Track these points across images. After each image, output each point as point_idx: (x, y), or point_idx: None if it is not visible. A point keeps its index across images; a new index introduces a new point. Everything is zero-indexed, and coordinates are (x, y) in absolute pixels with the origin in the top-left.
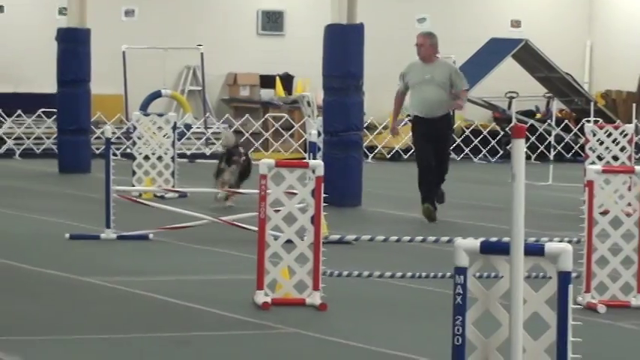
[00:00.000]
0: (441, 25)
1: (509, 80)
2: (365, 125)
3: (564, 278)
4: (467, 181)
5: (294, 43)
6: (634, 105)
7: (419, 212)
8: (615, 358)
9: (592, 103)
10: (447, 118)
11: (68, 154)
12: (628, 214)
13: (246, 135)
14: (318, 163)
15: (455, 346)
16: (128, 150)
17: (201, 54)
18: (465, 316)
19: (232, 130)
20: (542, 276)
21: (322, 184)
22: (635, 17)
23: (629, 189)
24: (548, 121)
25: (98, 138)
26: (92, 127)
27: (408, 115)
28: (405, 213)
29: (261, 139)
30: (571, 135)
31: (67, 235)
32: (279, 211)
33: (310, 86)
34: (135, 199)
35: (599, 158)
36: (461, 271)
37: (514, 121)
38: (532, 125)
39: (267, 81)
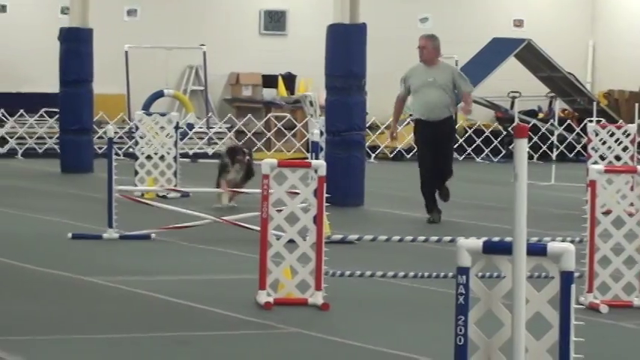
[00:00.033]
0: (444, 25)
1: (511, 80)
2: (367, 125)
3: (567, 278)
4: (469, 181)
5: (297, 43)
6: (636, 105)
7: (421, 212)
8: (618, 358)
9: (594, 103)
10: (449, 122)
11: (70, 154)
12: (630, 214)
13: (249, 135)
14: (320, 163)
15: (457, 345)
16: (130, 150)
17: (204, 53)
18: (468, 316)
19: (235, 129)
20: (545, 276)
21: (324, 184)
22: (638, 17)
23: (632, 189)
24: (551, 120)
25: (100, 138)
26: (94, 126)
27: (411, 115)
28: (408, 213)
29: (264, 139)
30: (573, 135)
31: (70, 235)
32: (281, 210)
33: (313, 86)
34: (137, 198)
35: (602, 158)
36: (463, 270)
37: (516, 120)
38: (534, 125)
39: (269, 81)
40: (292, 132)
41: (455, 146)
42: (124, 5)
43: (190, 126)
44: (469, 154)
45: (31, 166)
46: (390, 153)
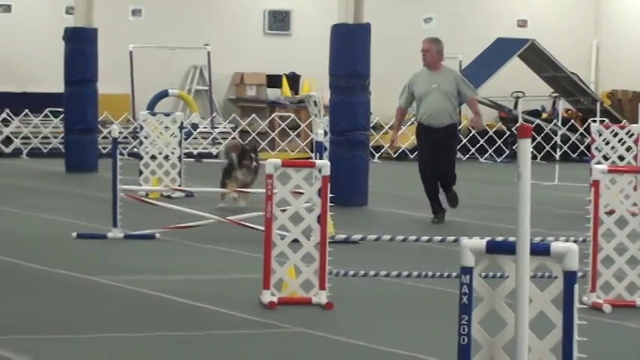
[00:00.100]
0: (448, 25)
1: (515, 80)
2: (371, 125)
3: (570, 278)
4: (473, 181)
5: (301, 43)
6: (639, 105)
7: (425, 212)
8: (621, 358)
9: (598, 103)
10: (452, 128)
11: (75, 154)
12: (634, 214)
13: (253, 134)
14: (324, 163)
15: (461, 345)
16: (135, 149)
17: (208, 53)
18: (471, 316)
19: (239, 129)
20: (548, 275)
21: (328, 184)
22: None
23: (635, 189)
24: (555, 120)
25: (105, 137)
26: (99, 126)
27: (414, 116)
28: (411, 213)
29: (268, 139)
30: (577, 135)
31: (74, 235)
32: (285, 210)
33: (317, 86)
34: (142, 198)
35: (605, 158)
36: (467, 270)
37: (520, 120)
38: (538, 125)
39: (273, 80)
40: (296, 132)
41: (459, 146)
42: (129, 5)
43: (195, 126)
44: (473, 154)
45: (36, 165)
46: (394, 153)
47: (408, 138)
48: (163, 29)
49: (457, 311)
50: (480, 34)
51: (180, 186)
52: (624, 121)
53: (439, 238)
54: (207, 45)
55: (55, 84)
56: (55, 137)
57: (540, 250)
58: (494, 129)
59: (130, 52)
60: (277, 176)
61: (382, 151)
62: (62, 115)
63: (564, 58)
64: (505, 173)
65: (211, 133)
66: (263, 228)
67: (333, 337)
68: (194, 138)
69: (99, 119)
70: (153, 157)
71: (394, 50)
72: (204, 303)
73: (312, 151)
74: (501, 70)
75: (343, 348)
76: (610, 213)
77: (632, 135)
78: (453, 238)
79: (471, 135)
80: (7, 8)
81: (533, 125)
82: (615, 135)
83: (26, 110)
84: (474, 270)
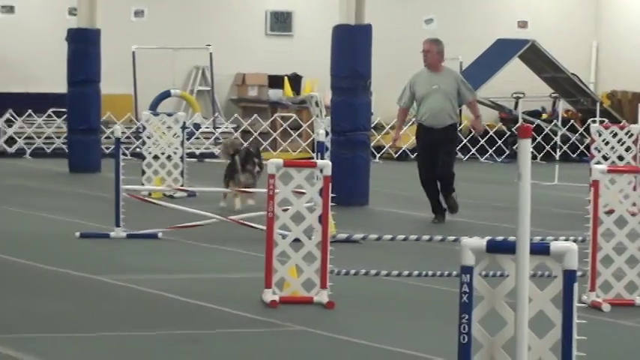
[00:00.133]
0: (448, 26)
1: (515, 81)
2: (372, 125)
3: (569, 277)
4: (473, 181)
5: (303, 44)
6: (639, 105)
7: (425, 212)
8: (619, 356)
9: (598, 104)
10: (452, 128)
11: (78, 154)
12: (633, 214)
13: (255, 135)
14: (325, 163)
15: (461, 343)
16: (138, 149)
17: (210, 54)
18: (471, 315)
19: (241, 129)
20: (548, 275)
21: (330, 184)
22: None
23: (634, 189)
24: (555, 121)
25: (108, 137)
26: (102, 126)
27: (415, 115)
28: (412, 212)
29: (270, 139)
30: (577, 135)
31: (78, 234)
32: (287, 210)
33: (318, 86)
34: (144, 198)
35: (605, 158)
36: (467, 269)
37: (520, 121)
38: (538, 125)
39: (275, 81)
40: (298, 132)
41: (459, 147)
42: (131, 6)
43: (197, 126)
44: (473, 154)
45: (40, 165)
46: (395, 153)
47: (408, 138)
48: (166, 30)
49: (457, 310)
50: (480, 34)
51: (182, 186)
52: (624, 121)
53: (440, 237)
54: (209, 46)
55: (58, 84)
56: (59, 137)
57: (540, 249)
58: (494, 129)
59: (133, 52)
60: (279, 176)
61: (383, 151)
62: (65, 116)
63: (564, 58)
64: (505, 173)
65: (213, 133)
66: (265, 227)
67: (334, 335)
68: (196, 138)
69: (102, 119)
70: (155, 157)
71: (395, 51)
72: (206, 302)
73: (313, 151)
74: (502, 71)
75: (344, 346)
76: (609, 213)
77: (632, 135)
78: (454, 237)
79: (471, 135)
80: (10, 9)
81: (534, 126)
82: (615, 135)
83: (29, 110)
84: (474, 269)
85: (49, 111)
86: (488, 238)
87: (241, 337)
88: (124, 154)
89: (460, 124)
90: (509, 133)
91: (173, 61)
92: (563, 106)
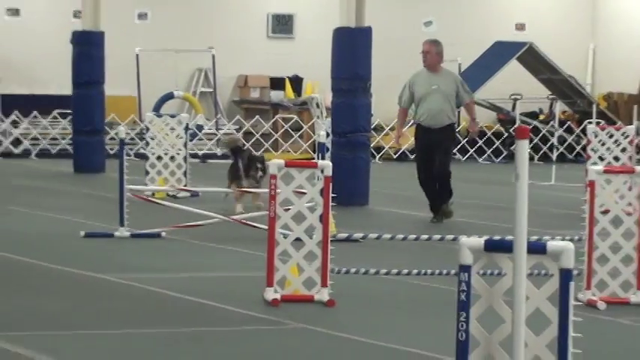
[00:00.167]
0: (447, 29)
1: (513, 82)
2: (372, 126)
3: (566, 275)
4: (471, 181)
5: (304, 46)
6: (635, 107)
7: (424, 212)
8: (615, 354)
9: (594, 105)
10: (450, 128)
11: (83, 155)
12: (628, 214)
13: (257, 136)
14: (326, 164)
15: (459, 341)
16: (141, 150)
17: (213, 56)
18: (469, 313)
19: (243, 130)
20: (545, 273)
21: (330, 184)
22: (637, 22)
23: (630, 189)
24: (551, 122)
25: (112, 138)
26: (106, 127)
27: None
28: (411, 212)
29: (271, 140)
30: (573, 136)
31: (82, 233)
32: (288, 210)
33: (319, 88)
34: (148, 198)
35: (601, 159)
36: (465, 268)
37: (518, 122)
38: (535, 126)
39: (277, 83)
40: (299, 133)
41: (457, 148)
42: (135, 9)
43: (200, 127)
44: (471, 154)
45: (45, 166)
46: (395, 154)
47: (408, 139)
48: (169, 33)
49: (456, 308)
50: (478, 37)
51: (185, 186)
52: (620, 122)
53: (438, 236)
54: (211, 48)
55: (63, 86)
56: (64, 138)
57: (537, 248)
58: (492, 130)
59: (137, 55)
60: (280, 176)
61: (383, 152)
62: (70, 117)
63: (561, 60)
64: (503, 174)
65: (216, 134)
66: (266, 227)
67: (334, 333)
68: (199, 139)
69: (106, 121)
70: (159, 158)
71: (395, 53)
72: (209, 300)
73: (314, 152)
74: (500, 73)
75: (344, 344)
76: (605, 212)
77: (627, 136)
78: (452, 236)
79: (469, 136)
80: (16, 12)
81: (531, 127)
82: (611, 136)
83: (35, 112)
84: (472, 268)
85: (54, 112)
86: (486, 237)
87: (243, 334)
88: (128, 154)
89: (458, 125)
90: (506, 134)
91: (176, 63)
92: (560, 107)
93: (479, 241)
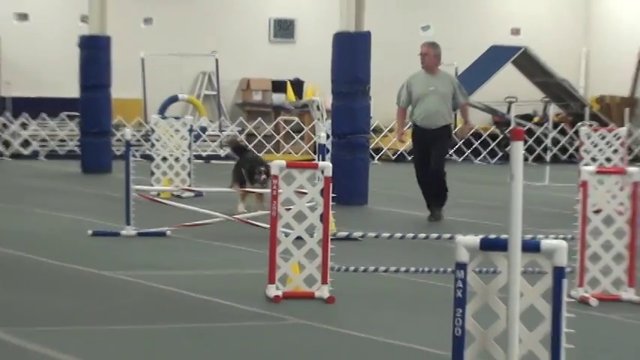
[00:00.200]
0: (444, 33)
1: (508, 85)
2: (371, 128)
3: (559, 273)
4: (468, 182)
5: (305, 50)
6: (626, 109)
7: (422, 211)
8: (606, 349)
9: (587, 108)
10: (446, 128)
11: (90, 156)
12: (620, 213)
13: (259, 137)
14: (326, 164)
15: (455, 336)
16: (147, 151)
17: (216, 60)
18: (465, 309)
19: (245, 132)
20: (538, 271)
21: (331, 184)
22: (629, 27)
23: (621, 189)
24: (545, 124)
25: (119, 140)
26: (113, 129)
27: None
28: (409, 211)
29: (273, 142)
30: (567, 138)
31: (90, 232)
32: (290, 209)
33: (319, 91)
34: (153, 198)
35: (593, 160)
36: (461, 266)
37: (513, 124)
38: (530, 128)
39: (278, 86)
40: (300, 135)
41: (455, 149)
42: (141, 14)
43: (203, 129)
44: (467, 156)
45: (53, 166)
46: (393, 155)
47: (408, 137)
48: (173, 37)
49: (452, 305)
50: (475, 41)
51: (189, 186)
52: (612, 124)
53: (435, 235)
54: (215, 52)
55: (71, 89)
56: (71, 140)
57: (531, 246)
58: (488, 132)
59: (142, 58)
60: (282, 177)
61: (382, 153)
62: (78, 119)
63: (555, 64)
64: (498, 174)
65: (219, 135)
66: (268, 226)
67: (334, 329)
68: (203, 140)
69: (112, 123)
70: (164, 159)
71: (393, 57)
72: (212, 297)
73: (315, 153)
74: (495, 76)
75: (344, 339)
76: (597, 212)
77: (619, 138)
78: (449, 235)
79: (457, 136)
80: (25, 17)
81: (525, 128)
82: (603, 138)
83: (43, 114)
84: (468, 266)
85: (62, 114)
86: (481, 236)
87: (246, 330)
88: (134, 155)
89: (455, 127)
90: (502, 135)
91: (180, 67)
92: (553, 109)
93: (475, 239)
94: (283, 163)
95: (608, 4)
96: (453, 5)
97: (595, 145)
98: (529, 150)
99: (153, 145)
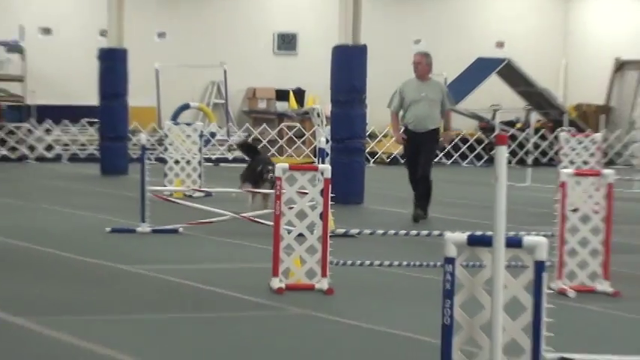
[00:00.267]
0: (434, 46)
1: (493, 94)
2: (367, 134)
3: (539, 267)
4: (455, 183)
5: (306, 62)
6: (602, 116)
7: (412, 210)
8: (583, 336)
9: (565, 115)
10: (435, 132)
11: (109, 159)
12: (595, 212)
13: (264, 142)
14: (326, 167)
15: (444, 325)
16: (161, 155)
17: (225, 71)
18: (453, 300)
19: (251, 137)
20: (521, 265)
21: (330, 185)
22: (604, 41)
23: (597, 189)
24: (527, 130)
25: (135, 144)
26: (129, 134)
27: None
28: (402, 210)
29: (277, 146)
30: (547, 142)
31: (108, 229)
32: (292, 208)
33: (320, 99)
34: (166, 197)
35: (572, 163)
36: (450, 260)
37: (497, 130)
38: (513, 134)
39: (282, 95)
40: (302, 140)
41: (444, 152)
42: (155, 28)
43: (213, 134)
44: (455, 159)
45: (75, 169)
46: (387, 158)
47: (398, 146)
48: (185, 50)
49: (441, 296)
50: (462, 53)
51: (200, 187)
52: (588, 130)
53: (426, 232)
54: (223, 63)
55: (91, 98)
56: (91, 144)
57: (514, 242)
58: (474, 137)
59: (156, 69)
60: (285, 178)
61: (377, 156)
62: (97, 125)
63: (537, 75)
64: (484, 176)
65: (227, 140)
66: (272, 223)
67: (333, 318)
68: (212, 145)
69: (129, 128)
70: (176, 162)
71: (388, 68)
72: (221, 288)
73: (315, 157)
74: (481, 86)
75: (342, 328)
76: (575, 211)
77: (595, 143)
78: (438, 232)
79: (453, 143)
80: (48, 31)
81: (509, 134)
82: (580, 143)
83: (66, 121)
84: (456, 260)
85: (83, 121)
86: (468, 232)
87: (251, 319)
88: (149, 159)
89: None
90: (487, 140)
91: (192, 77)
92: (535, 116)
93: (462, 236)
94: (286, 165)
95: (585, 20)
96: (443, 20)
97: (573, 150)
98: (512, 154)
99: (166, 149)
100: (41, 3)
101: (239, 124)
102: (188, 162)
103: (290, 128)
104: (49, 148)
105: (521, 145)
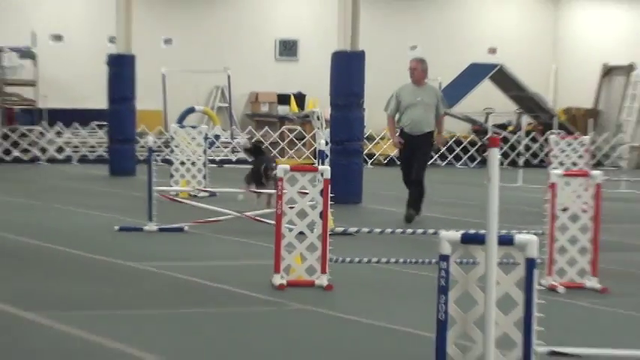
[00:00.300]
0: (430, 52)
1: (486, 98)
2: (365, 136)
3: (530, 264)
4: (450, 183)
5: (306, 67)
6: (590, 120)
7: (405, 211)
8: (572, 331)
9: (555, 118)
10: (430, 135)
11: (117, 160)
12: (584, 211)
13: (266, 144)
14: (325, 168)
15: (439, 320)
16: (167, 156)
17: (228, 76)
18: (448, 296)
19: (254, 140)
20: (512, 262)
21: (329, 185)
22: (592, 47)
23: (586, 190)
24: (519, 132)
25: (142, 146)
26: (137, 137)
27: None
28: (398, 209)
29: (278, 148)
30: (537, 145)
31: (116, 227)
32: (293, 207)
33: (319, 103)
34: (173, 197)
35: (561, 164)
36: (444, 258)
37: (490, 132)
38: (505, 136)
39: (283, 99)
40: (302, 142)
41: (439, 154)
42: (162, 35)
43: (217, 137)
44: (450, 160)
45: (84, 170)
46: (384, 160)
47: (394, 148)
48: (191, 55)
49: (436, 292)
50: (456, 59)
51: (205, 187)
52: (577, 133)
53: (421, 230)
54: (227, 69)
55: (100, 101)
56: (100, 146)
57: (506, 240)
58: (468, 140)
59: (163, 74)
60: (286, 179)
61: (374, 158)
62: (106, 128)
63: (528, 80)
64: (477, 176)
65: (231, 142)
66: (274, 222)
67: (332, 313)
68: (217, 147)
69: (137, 131)
70: (182, 163)
71: (385, 73)
72: (224, 285)
73: (315, 158)
74: (475, 90)
75: (341, 322)
76: (564, 210)
77: (584, 145)
78: (433, 230)
79: (448, 145)
80: (59, 38)
81: (501, 136)
82: (569, 145)
83: (76, 124)
84: (450, 257)
85: (93, 124)
86: (462, 231)
87: (254, 314)
88: (156, 160)
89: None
90: (480, 142)
91: (197, 82)
92: (526, 120)
93: (456, 234)
94: (287, 167)
95: (575, 27)
96: (438, 28)
97: (562, 151)
98: (504, 155)
99: (172, 151)
100: (52, 11)
101: (242, 127)
102: (193, 163)
103: (291, 131)
104: (60, 150)
105: (512, 147)
